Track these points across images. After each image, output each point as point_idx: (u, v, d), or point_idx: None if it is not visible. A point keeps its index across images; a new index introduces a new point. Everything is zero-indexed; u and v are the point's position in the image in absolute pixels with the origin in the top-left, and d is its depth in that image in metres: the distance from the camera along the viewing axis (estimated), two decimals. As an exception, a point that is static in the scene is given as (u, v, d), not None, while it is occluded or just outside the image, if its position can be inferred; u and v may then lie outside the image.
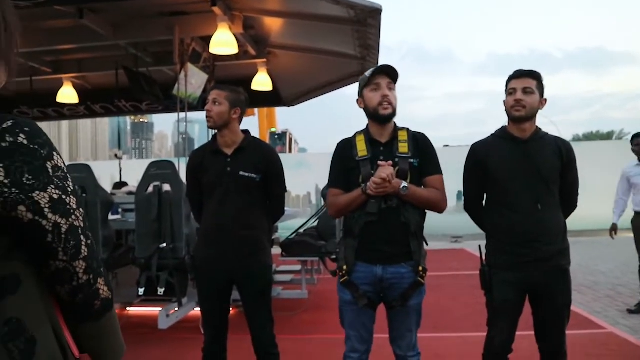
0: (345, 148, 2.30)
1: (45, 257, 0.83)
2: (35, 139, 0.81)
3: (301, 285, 5.09)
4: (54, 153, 0.84)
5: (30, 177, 0.79)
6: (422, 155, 2.25)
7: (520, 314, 2.38)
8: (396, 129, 2.28)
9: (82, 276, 0.85)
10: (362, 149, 2.24)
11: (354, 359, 2.29)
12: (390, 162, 2.15)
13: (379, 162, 2.15)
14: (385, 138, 2.26)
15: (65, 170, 0.86)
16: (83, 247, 0.85)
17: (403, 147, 2.21)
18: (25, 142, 0.80)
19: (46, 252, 0.82)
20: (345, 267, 2.23)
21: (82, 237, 0.85)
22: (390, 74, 2.23)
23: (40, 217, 0.80)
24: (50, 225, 0.81)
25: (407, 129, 2.29)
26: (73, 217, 0.84)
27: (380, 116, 2.22)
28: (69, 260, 0.84)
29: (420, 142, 2.27)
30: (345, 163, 2.27)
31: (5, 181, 0.77)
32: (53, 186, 0.82)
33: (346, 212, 2.27)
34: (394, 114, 2.23)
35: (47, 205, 0.80)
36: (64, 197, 0.83)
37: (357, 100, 2.30)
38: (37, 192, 0.79)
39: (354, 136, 2.31)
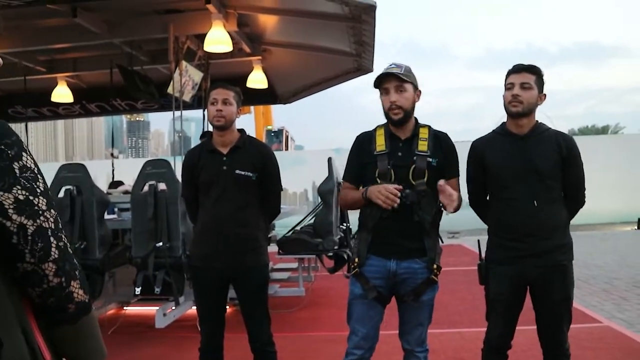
0: (364, 142, 2.30)
1: (12, 259, 0.81)
2: (2, 139, 0.80)
3: (298, 283, 5.08)
4: (24, 154, 0.82)
5: None
6: (444, 155, 2.24)
7: (519, 309, 2.38)
8: (417, 125, 2.28)
9: (53, 279, 0.84)
10: (380, 143, 2.24)
11: (357, 356, 2.27)
12: (400, 187, 2.13)
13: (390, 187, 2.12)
14: (406, 134, 2.25)
15: (36, 171, 0.84)
16: (53, 249, 0.83)
17: (422, 145, 2.21)
18: None
19: (12, 253, 0.80)
20: (357, 260, 2.23)
21: (52, 238, 0.83)
22: (396, 76, 2.19)
23: (3, 218, 0.78)
24: (15, 227, 0.79)
25: (429, 127, 2.28)
26: (42, 218, 0.82)
27: (392, 120, 2.23)
28: (37, 262, 0.82)
29: (442, 143, 2.26)
30: (363, 157, 2.27)
31: None
32: (19, 187, 0.80)
33: (352, 209, 2.30)
34: (405, 116, 2.22)
35: (11, 207, 0.79)
36: (31, 197, 0.81)
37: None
38: (1, 193, 0.78)
39: (375, 130, 2.30)
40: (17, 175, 0.80)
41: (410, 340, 2.28)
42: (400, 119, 2.21)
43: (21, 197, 0.80)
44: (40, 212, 0.82)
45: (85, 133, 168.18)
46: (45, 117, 7.59)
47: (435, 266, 2.19)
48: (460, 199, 2.16)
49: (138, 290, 3.72)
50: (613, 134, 27.05)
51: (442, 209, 2.19)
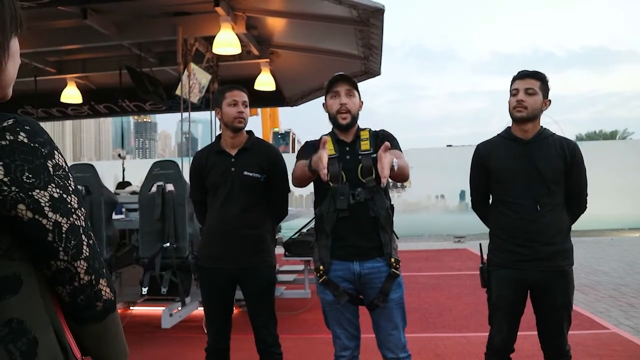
0: (314, 147, 2.35)
1: (46, 256, 0.82)
2: (36, 137, 0.80)
3: (304, 285, 5.10)
4: (55, 152, 0.83)
5: (30, 176, 0.78)
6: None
7: (520, 312, 2.38)
8: (359, 129, 2.38)
9: (84, 277, 0.84)
10: (330, 148, 2.30)
11: (346, 357, 2.31)
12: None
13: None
14: (350, 138, 2.36)
15: (67, 169, 0.84)
16: (84, 247, 0.84)
17: (365, 145, 2.31)
18: (25, 140, 0.79)
19: (47, 251, 0.81)
20: (322, 267, 2.27)
21: (83, 236, 0.84)
22: (349, 81, 2.29)
23: (40, 215, 0.79)
24: (51, 224, 0.80)
25: (369, 129, 2.38)
26: (74, 216, 0.83)
27: (339, 125, 2.32)
28: (70, 260, 0.82)
29: (381, 137, 2.34)
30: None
31: (5, 179, 0.76)
32: (54, 185, 0.81)
33: (302, 179, 2.28)
34: (352, 122, 2.31)
35: (47, 204, 0.80)
36: (64, 195, 0.82)
37: (323, 105, 2.38)
38: (37, 191, 0.79)
39: (321, 138, 2.37)
40: (51, 173, 0.81)
41: (391, 347, 2.27)
42: (347, 124, 2.30)
43: (56, 195, 0.81)
44: (73, 210, 0.83)
45: (93, 134, 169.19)
46: (55, 117, 7.66)
47: (393, 260, 2.23)
48: (407, 168, 2.20)
49: (145, 290, 3.74)
50: (621, 140, 26.89)
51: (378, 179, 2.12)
